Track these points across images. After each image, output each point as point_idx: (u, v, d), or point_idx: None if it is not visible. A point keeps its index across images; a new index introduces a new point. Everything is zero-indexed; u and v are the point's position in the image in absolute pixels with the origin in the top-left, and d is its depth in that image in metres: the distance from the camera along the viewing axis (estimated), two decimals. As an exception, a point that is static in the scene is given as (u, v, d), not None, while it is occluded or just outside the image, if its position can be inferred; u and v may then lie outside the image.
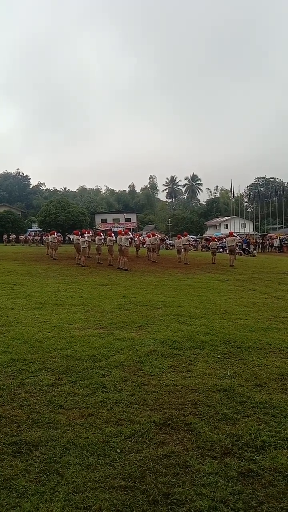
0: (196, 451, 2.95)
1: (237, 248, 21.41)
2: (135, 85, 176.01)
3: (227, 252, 21.43)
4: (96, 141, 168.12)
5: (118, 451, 2.94)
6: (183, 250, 22.35)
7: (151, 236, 24.47)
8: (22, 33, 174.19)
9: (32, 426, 3.31)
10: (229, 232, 23.83)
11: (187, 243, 23.01)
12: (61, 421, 3.38)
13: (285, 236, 45.93)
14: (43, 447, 2.98)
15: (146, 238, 24.33)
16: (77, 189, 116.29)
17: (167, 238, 52.17)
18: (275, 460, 2.82)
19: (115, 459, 2.83)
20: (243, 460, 2.84)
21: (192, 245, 37.69)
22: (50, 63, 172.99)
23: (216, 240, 25.60)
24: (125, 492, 2.48)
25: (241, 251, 22.51)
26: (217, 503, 2.37)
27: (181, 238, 23.72)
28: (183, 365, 4.87)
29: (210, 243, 24.44)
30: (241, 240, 28.22)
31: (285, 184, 78.05)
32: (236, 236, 22.46)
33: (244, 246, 35.46)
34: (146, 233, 47.63)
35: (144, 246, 26.53)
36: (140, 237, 31.87)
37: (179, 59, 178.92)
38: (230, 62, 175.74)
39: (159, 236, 28.10)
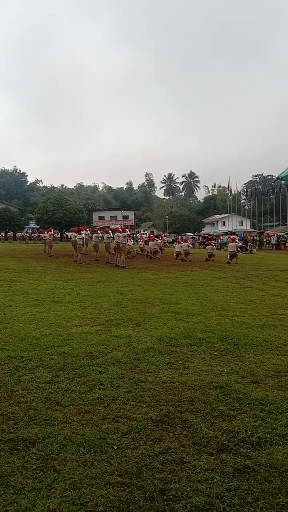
0: (193, 448, 2.97)
1: (238, 253, 21.36)
2: (131, 78, 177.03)
3: (228, 254, 21.35)
4: (93, 138, 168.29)
5: (115, 447, 2.95)
6: (183, 254, 22.28)
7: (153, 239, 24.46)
8: (15, 23, 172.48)
9: (29, 423, 3.31)
10: (231, 238, 23.72)
11: (187, 248, 22.96)
12: (58, 418, 3.39)
13: (282, 234, 46.06)
14: (40, 444, 2.99)
15: (150, 243, 24.09)
16: (74, 186, 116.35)
17: (165, 236, 52.14)
18: (271, 457, 2.84)
19: (111, 456, 2.84)
20: (239, 457, 2.85)
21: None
22: (44, 56, 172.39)
23: (213, 244, 25.52)
24: (122, 489, 2.49)
25: (239, 249, 22.45)
26: (213, 499, 2.39)
27: (181, 244, 23.67)
28: (180, 362, 4.88)
29: (207, 247, 24.33)
30: (241, 244, 28.12)
31: (282, 182, 78.06)
32: (237, 242, 22.44)
33: (241, 244, 35.51)
34: (147, 235, 47.70)
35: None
36: (142, 240, 31.69)
37: (177, 51, 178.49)
38: (229, 53, 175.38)
39: (160, 241, 27.90)
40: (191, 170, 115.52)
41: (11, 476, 2.60)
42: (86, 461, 2.78)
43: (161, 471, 2.67)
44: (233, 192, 76.81)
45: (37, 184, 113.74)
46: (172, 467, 2.72)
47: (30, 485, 2.51)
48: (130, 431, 3.19)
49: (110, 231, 21.66)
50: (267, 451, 2.92)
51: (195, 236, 52.95)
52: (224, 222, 76.05)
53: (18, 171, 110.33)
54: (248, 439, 3.08)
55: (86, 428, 3.22)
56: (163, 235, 48.87)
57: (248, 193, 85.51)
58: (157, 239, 25.79)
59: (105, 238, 21.00)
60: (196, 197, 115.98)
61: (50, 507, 2.31)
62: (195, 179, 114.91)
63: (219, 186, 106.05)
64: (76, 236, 19.94)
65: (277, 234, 45.43)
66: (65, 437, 3.07)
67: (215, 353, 5.24)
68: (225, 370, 4.59)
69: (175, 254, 23.60)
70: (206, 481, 2.57)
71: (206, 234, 53.36)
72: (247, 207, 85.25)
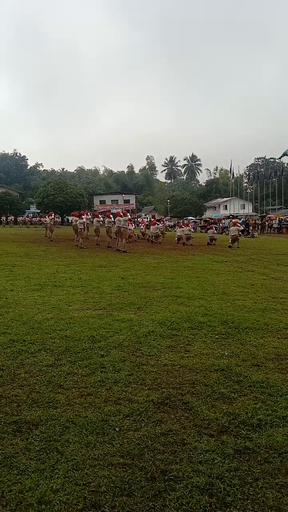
0: (194, 429, 3.01)
1: (239, 237, 21.28)
2: (131, 58, 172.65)
3: (230, 238, 21.29)
4: (93, 120, 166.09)
5: (117, 429, 2.99)
6: (185, 239, 22.23)
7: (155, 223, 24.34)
8: (11, 3, 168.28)
9: (32, 405, 3.35)
10: (233, 222, 23.59)
11: (189, 233, 22.87)
12: (61, 401, 3.43)
13: (284, 217, 45.84)
14: (43, 426, 3.03)
15: (152, 227, 23.97)
16: (75, 170, 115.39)
17: (166, 220, 51.95)
18: (271, 438, 2.87)
19: (113, 437, 2.88)
20: (240, 438, 2.89)
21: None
22: (41, 37, 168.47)
23: (214, 228, 25.43)
24: (124, 469, 2.53)
25: (240, 233, 22.39)
26: (214, 480, 2.43)
27: (183, 228, 23.57)
28: (181, 345, 4.91)
29: (208, 231, 24.23)
30: (243, 227, 28.00)
31: (285, 164, 77.40)
32: (239, 226, 22.33)
33: (242, 227, 35.38)
34: (148, 219, 47.47)
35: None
36: (144, 224, 31.56)
37: (177, 31, 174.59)
38: (232, 30, 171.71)
39: (161, 225, 27.75)
40: (193, 153, 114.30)
41: (14, 457, 2.65)
42: (88, 442, 2.82)
43: (162, 452, 2.71)
44: (235, 176, 76.13)
45: (38, 168, 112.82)
46: (173, 449, 2.76)
47: (34, 466, 2.56)
48: (131, 413, 3.23)
49: (111, 215, 21.57)
50: (267, 432, 2.95)
51: (196, 220, 52.72)
52: (226, 206, 75.61)
53: (18, 154, 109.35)
54: (249, 421, 3.12)
55: (88, 411, 3.26)
56: (164, 219, 48.71)
57: (251, 176, 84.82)
58: (158, 223, 25.65)
59: (106, 222, 20.91)
60: (198, 180, 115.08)
61: (53, 487, 2.35)
62: (197, 162, 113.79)
63: (221, 169, 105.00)
64: (77, 221, 19.85)
65: (279, 218, 45.20)
66: (67, 419, 3.11)
67: (216, 336, 5.27)
68: (226, 353, 4.62)
69: (176, 238, 23.54)
70: (207, 462, 2.61)
71: (208, 218, 53.06)
72: (249, 191, 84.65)
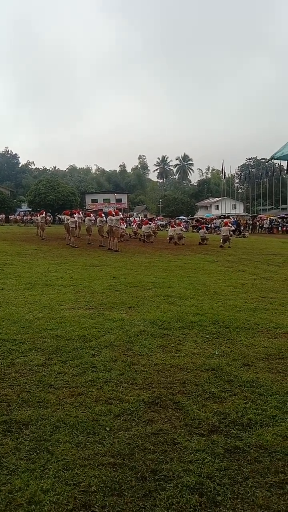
0: (184, 429, 3.02)
1: (230, 237, 21.34)
2: (123, 57, 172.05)
3: (221, 238, 21.35)
4: (85, 119, 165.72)
5: (107, 429, 2.99)
6: (177, 238, 22.24)
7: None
8: None
9: (22, 405, 3.34)
10: (224, 222, 23.64)
11: (181, 232, 22.89)
12: (51, 400, 3.41)
13: (275, 217, 46.17)
14: (33, 425, 3.02)
15: (144, 226, 23.93)
16: (67, 169, 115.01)
17: (158, 219, 51.96)
18: (261, 437, 2.89)
19: (104, 437, 2.88)
20: (230, 437, 2.90)
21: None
22: (31, 34, 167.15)
23: (205, 228, 25.49)
24: (114, 469, 2.53)
25: (231, 233, 22.46)
26: (204, 479, 2.44)
27: (174, 227, 23.59)
28: (172, 345, 4.92)
29: (199, 231, 24.28)
30: (234, 228, 28.06)
31: (276, 165, 77.96)
32: (230, 226, 22.40)
33: (234, 228, 35.54)
34: (140, 218, 47.43)
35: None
36: (136, 223, 31.49)
37: (171, 26, 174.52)
38: (223, 28, 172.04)
39: (153, 225, 27.74)
40: (185, 153, 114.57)
41: (4, 457, 2.63)
42: (79, 442, 2.81)
43: (153, 452, 2.72)
44: (226, 176, 76.33)
45: (29, 166, 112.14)
46: (164, 448, 2.77)
47: (24, 466, 2.54)
48: (122, 413, 3.23)
49: (103, 215, 21.51)
50: (257, 432, 2.97)
51: (188, 220, 52.84)
52: (217, 206, 75.91)
53: (9, 152, 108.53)
54: (239, 420, 3.14)
55: (79, 410, 3.25)
56: (156, 219, 48.70)
57: (242, 176, 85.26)
58: (150, 222, 25.65)
59: (98, 221, 20.86)
60: (190, 180, 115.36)
61: (44, 487, 2.34)
62: (189, 162, 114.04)
63: (213, 169, 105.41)
64: (68, 219, 19.77)
65: (270, 218, 45.52)
66: (58, 419, 3.10)
67: (207, 336, 5.29)
68: (217, 353, 4.64)
69: (168, 238, 23.58)
70: (197, 461, 2.62)
71: (200, 217, 53.22)
72: (241, 191, 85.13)
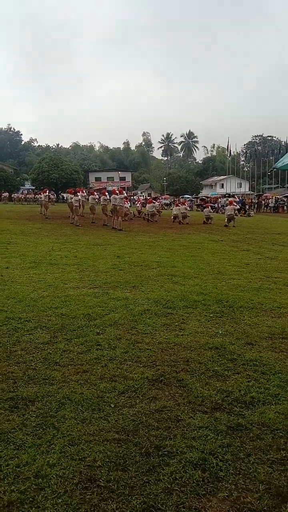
0: (187, 406, 3.06)
1: (235, 216, 21.14)
2: (127, 29, 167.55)
3: (225, 218, 21.16)
4: (88, 95, 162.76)
5: (112, 406, 3.04)
6: (181, 217, 22.09)
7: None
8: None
9: (28, 382, 3.39)
10: (229, 201, 23.38)
11: (185, 211, 22.72)
12: (57, 378, 3.46)
13: (280, 196, 45.71)
14: (39, 402, 3.07)
15: (148, 205, 23.71)
16: (70, 146, 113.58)
17: (162, 198, 51.59)
18: (263, 415, 2.93)
19: (109, 414, 2.93)
20: (233, 415, 2.95)
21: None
22: (34, 5, 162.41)
23: (210, 207, 25.28)
24: (119, 445, 2.58)
25: (236, 212, 22.27)
26: (207, 455, 2.49)
27: (179, 206, 23.39)
28: (176, 323, 4.95)
29: (204, 210, 24.06)
30: (239, 207, 27.76)
31: (283, 143, 76.54)
32: (235, 205, 22.16)
33: (239, 207, 35.25)
34: (144, 197, 47.05)
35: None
36: (140, 202, 31.21)
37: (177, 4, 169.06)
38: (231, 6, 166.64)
39: (157, 203, 27.49)
40: (189, 130, 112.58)
41: (11, 432, 2.69)
42: (84, 418, 2.86)
43: (157, 429, 2.77)
44: (232, 154, 75.24)
45: (32, 143, 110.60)
46: (167, 425, 2.81)
47: (30, 441, 2.60)
48: (127, 390, 3.28)
49: (106, 193, 21.34)
50: (260, 410, 3.01)
51: (193, 199, 52.43)
52: (222, 184, 75.08)
53: (12, 129, 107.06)
54: (242, 398, 3.18)
55: (84, 387, 3.30)
56: (161, 197, 48.35)
57: (248, 154, 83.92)
58: (154, 201, 25.45)
59: (101, 200, 20.70)
60: (195, 158, 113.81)
61: (50, 461, 2.40)
62: (193, 139, 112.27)
63: (218, 147, 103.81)
64: (72, 198, 19.65)
65: (275, 197, 45.11)
66: (63, 396, 3.15)
67: (211, 315, 5.31)
68: (220, 332, 4.67)
69: (172, 217, 23.44)
70: (200, 438, 2.66)
71: (204, 196, 52.82)
72: (246, 169, 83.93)
